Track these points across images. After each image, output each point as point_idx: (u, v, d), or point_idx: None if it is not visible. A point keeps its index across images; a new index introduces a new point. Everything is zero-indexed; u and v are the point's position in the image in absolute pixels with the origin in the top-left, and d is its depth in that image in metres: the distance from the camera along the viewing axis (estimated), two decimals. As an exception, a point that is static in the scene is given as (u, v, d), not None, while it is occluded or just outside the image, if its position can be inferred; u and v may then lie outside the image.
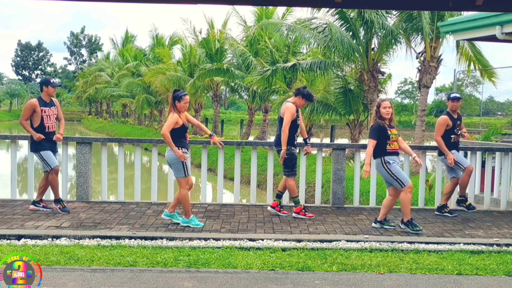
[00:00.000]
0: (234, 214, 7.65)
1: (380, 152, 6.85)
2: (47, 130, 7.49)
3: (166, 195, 8.69)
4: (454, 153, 7.92)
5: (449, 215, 7.94)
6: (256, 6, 25.55)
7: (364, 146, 10.22)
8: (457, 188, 8.14)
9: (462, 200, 8.15)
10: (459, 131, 8.01)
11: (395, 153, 6.92)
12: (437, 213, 8.07)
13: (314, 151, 9.32)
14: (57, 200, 7.62)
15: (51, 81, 7.67)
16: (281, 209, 7.75)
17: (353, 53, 16.72)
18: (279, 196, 7.87)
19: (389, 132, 6.84)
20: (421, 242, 6.35)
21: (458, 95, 8.14)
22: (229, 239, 6.27)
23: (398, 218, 7.61)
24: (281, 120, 7.62)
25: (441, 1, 5.46)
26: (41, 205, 7.66)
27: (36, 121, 7.46)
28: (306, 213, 7.57)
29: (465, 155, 9.05)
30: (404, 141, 7.24)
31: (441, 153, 8.04)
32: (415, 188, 9.42)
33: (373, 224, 7.08)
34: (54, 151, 7.65)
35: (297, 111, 7.63)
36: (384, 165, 6.80)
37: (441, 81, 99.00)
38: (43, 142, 7.47)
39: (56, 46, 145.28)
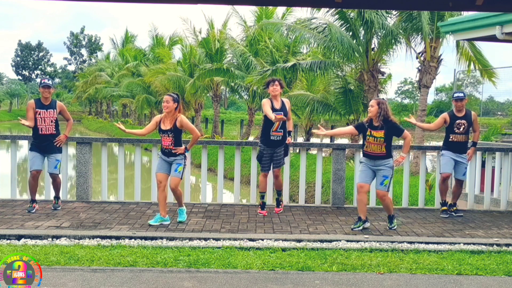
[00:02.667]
0: (234, 214, 7.65)
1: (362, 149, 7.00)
2: (40, 132, 7.50)
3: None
4: (446, 154, 7.88)
5: (453, 214, 7.91)
6: (256, 6, 25.55)
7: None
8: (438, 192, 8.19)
9: (441, 203, 8.04)
10: (462, 130, 7.77)
11: (370, 156, 6.78)
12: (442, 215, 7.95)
13: (314, 151, 9.29)
14: (31, 200, 7.63)
15: (41, 81, 7.63)
16: (261, 209, 7.74)
17: (353, 53, 16.73)
18: (277, 193, 7.94)
19: (368, 132, 6.73)
20: (421, 242, 6.35)
21: (460, 94, 7.86)
22: (229, 239, 6.27)
23: (398, 217, 7.62)
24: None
25: (441, 1, 5.45)
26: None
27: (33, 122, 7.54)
28: (260, 209, 7.74)
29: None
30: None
31: (441, 148, 8.05)
32: (415, 188, 9.42)
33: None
34: (45, 153, 7.59)
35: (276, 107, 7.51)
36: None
37: (441, 81, 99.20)
38: (34, 143, 7.58)
39: (56, 46, 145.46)
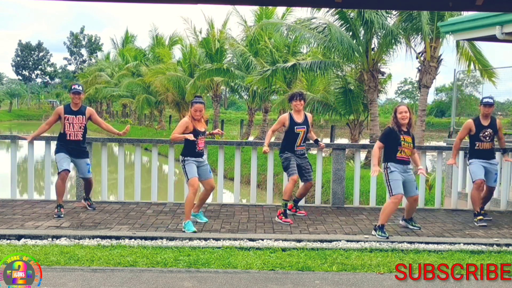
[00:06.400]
0: (234, 214, 7.65)
1: (388, 157, 6.68)
2: (68, 137, 7.39)
3: (166, 195, 8.69)
4: (474, 163, 7.56)
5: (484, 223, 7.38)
6: (256, 6, 25.57)
7: (364, 146, 10.24)
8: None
9: (476, 214, 7.52)
10: (488, 139, 7.51)
11: (404, 161, 6.68)
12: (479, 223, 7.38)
13: (314, 151, 9.30)
14: (58, 205, 7.38)
15: (72, 87, 7.56)
16: (298, 210, 7.70)
17: (353, 53, 16.74)
18: (295, 201, 7.79)
19: (402, 138, 6.63)
20: (421, 242, 6.35)
21: (490, 100, 7.42)
22: (229, 239, 6.27)
23: (398, 218, 7.62)
24: None
25: (441, 1, 5.47)
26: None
27: (61, 127, 7.43)
28: (283, 218, 7.23)
29: (465, 155, 9.03)
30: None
31: (469, 157, 7.77)
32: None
33: (400, 222, 7.09)
34: (73, 156, 7.42)
35: (295, 120, 7.45)
36: (385, 170, 6.66)
37: (441, 81, 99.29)
38: (61, 145, 7.41)
39: (56, 46, 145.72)
